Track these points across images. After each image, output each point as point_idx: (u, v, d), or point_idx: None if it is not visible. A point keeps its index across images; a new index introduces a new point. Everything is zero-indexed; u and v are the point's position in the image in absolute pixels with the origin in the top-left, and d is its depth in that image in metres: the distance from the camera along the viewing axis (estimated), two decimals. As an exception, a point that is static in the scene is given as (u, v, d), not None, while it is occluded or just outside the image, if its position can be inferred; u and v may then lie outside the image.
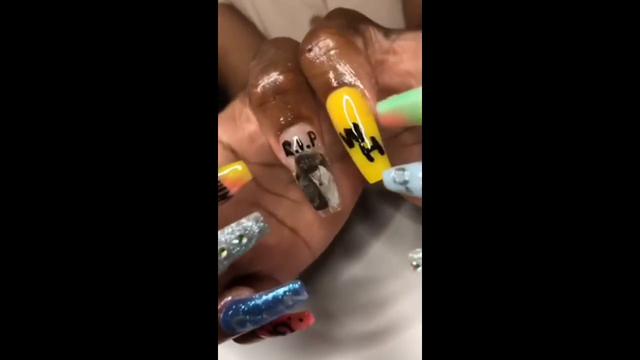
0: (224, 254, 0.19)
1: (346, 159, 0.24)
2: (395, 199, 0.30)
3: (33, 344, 0.16)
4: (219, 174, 0.19)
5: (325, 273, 0.28)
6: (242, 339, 0.21)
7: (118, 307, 0.16)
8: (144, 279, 0.16)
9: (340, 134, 0.19)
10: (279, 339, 0.27)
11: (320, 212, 0.21)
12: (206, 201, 0.17)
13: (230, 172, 0.19)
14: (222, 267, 0.19)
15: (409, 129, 0.24)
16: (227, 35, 0.43)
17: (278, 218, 0.24)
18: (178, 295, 0.16)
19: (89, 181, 0.16)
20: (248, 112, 0.23)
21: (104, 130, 0.17)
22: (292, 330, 0.20)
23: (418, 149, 0.24)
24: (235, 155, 0.23)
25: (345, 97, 0.19)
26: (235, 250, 0.19)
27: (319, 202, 0.21)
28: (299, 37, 0.43)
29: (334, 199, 0.21)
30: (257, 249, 0.24)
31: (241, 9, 0.43)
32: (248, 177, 0.20)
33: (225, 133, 0.23)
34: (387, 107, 0.19)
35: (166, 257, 0.16)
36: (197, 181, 0.17)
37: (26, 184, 0.16)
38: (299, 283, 0.19)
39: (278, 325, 0.20)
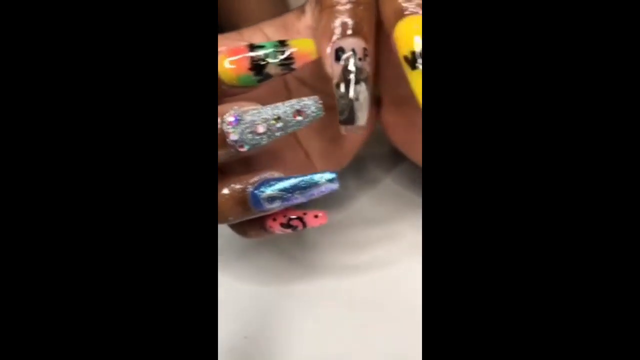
0: (280, 124, 0.20)
1: None
2: (387, 164, 0.32)
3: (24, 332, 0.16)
4: (290, 45, 0.20)
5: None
6: (252, 231, 0.22)
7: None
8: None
9: (405, 56, 0.20)
10: (260, 260, 0.28)
11: (342, 128, 0.21)
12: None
13: (300, 49, 0.20)
14: (272, 138, 0.20)
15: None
16: None
17: (297, 138, 0.25)
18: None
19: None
20: (299, 26, 0.24)
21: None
22: (304, 226, 0.21)
23: None
24: None
25: (417, 24, 0.21)
26: (290, 124, 0.20)
27: (347, 116, 0.21)
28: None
29: (362, 118, 0.21)
30: (274, 158, 0.25)
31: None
32: (314, 55, 0.21)
33: (276, 38, 0.24)
34: None
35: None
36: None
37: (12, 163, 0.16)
38: (334, 173, 0.20)
39: (292, 218, 0.21)
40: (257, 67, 0.21)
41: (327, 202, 0.30)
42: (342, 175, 0.31)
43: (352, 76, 0.21)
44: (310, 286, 0.26)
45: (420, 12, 0.21)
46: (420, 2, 0.21)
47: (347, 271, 0.27)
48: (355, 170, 0.32)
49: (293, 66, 0.21)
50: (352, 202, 0.30)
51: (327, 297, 0.26)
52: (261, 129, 0.20)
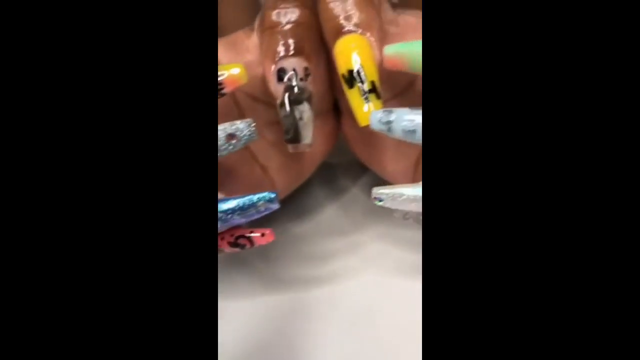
0: None
1: (323, 117, 0.26)
2: (355, 173, 0.32)
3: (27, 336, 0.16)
4: (219, 73, 0.21)
5: (276, 225, 0.29)
6: None
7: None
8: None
9: (343, 74, 0.21)
10: (224, 273, 0.28)
11: (290, 146, 0.22)
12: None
13: (229, 74, 0.21)
14: None
15: (393, 98, 0.26)
16: None
17: (252, 152, 0.25)
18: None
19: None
20: (249, 44, 0.24)
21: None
22: (252, 245, 0.21)
23: None
24: None
25: (354, 42, 0.21)
26: (222, 148, 0.20)
27: (293, 135, 0.21)
28: None
29: (307, 137, 0.21)
30: (228, 175, 0.25)
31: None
32: (244, 80, 0.21)
33: (225, 56, 0.24)
34: (393, 50, 0.21)
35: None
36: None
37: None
38: (274, 193, 0.20)
39: (239, 237, 0.21)
40: None
41: (294, 212, 0.30)
42: (311, 185, 0.32)
43: (294, 96, 0.21)
44: (273, 298, 0.26)
45: (359, 30, 0.21)
46: (359, 21, 0.21)
47: (309, 283, 0.27)
48: (325, 180, 0.32)
49: (223, 91, 0.21)
50: (318, 212, 0.30)
51: (290, 309, 0.26)
52: None
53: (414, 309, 0.25)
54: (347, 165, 0.33)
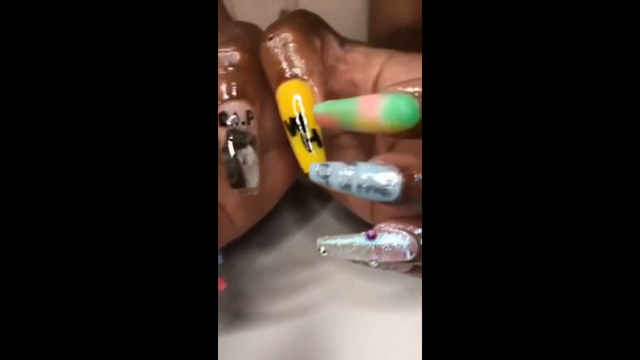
0: None
1: (283, 148, 0.26)
2: (323, 196, 0.32)
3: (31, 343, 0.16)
4: None
5: (244, 255, 0.29)
6: None
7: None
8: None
9: (285, 121, 0.21)
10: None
11: (235, 191, 0.21)
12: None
13: None
14: None
15: (347, 133, 0.26)
16: None
17: (209, 192, 0.25)
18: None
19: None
20: None
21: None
22: None
23: (351, 152, 0.26)
24: None
25: (294, 88, 0.21)
26: None
27: (237, 179, 0.21)
28: (266, 25, 0.44)
29: (253, 181, 0.21)
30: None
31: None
32: None
33: None
34: (324, 108, 0.20)
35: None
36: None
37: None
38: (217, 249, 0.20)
39: None
40: None
41: (262, 241, 0.30)
42: (280, 209, 0.32)
43: (237, 140, 0.21)
44: (242, 336, 0.27)
45: (300, 76, 0.21)
46: (300, 66, 0.21)
47: (274, 319, 0.27)
48: (295, 203, 0.32)
49: None
50: (286, 239, 0.30)
51: (255, 346, 0.26)
52: None
53: (380, 341, 0.25)
54: (318, 187, 0.32)
